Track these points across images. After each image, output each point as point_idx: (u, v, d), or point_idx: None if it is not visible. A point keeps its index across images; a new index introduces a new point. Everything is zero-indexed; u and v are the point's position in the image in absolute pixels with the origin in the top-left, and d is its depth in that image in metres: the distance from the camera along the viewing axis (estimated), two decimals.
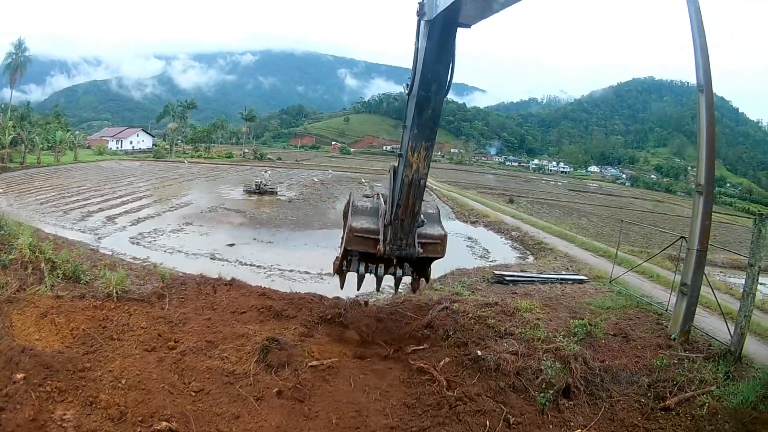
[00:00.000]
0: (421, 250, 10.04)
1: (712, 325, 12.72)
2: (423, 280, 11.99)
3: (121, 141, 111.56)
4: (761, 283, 13.25)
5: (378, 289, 12.81)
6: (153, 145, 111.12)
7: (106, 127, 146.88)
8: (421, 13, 8.53)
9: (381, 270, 11.53)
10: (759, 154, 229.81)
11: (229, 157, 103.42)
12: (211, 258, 21.40)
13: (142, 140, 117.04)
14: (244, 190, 47.18)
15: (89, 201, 34.80)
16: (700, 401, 8.61)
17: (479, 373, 9.45)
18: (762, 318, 14.36)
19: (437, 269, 20.60)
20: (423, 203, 10.10)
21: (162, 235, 25.67)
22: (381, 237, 9.95)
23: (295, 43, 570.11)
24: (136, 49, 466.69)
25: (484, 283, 18.51)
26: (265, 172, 55.08)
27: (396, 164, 10.02)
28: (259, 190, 46.29)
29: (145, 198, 39.07)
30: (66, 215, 29.01)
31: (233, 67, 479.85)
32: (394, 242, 9.83)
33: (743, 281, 10.80)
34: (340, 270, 11.67)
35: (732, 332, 10.62)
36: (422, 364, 9.58)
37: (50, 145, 72.68)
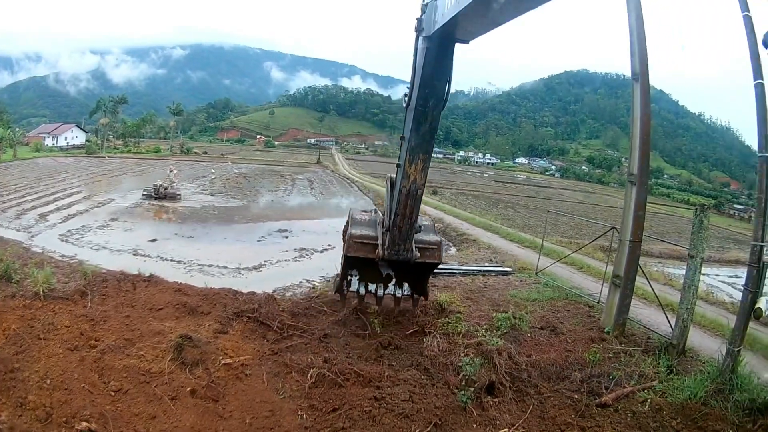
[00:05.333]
0: (419, 254, 10.44)
1: (650, 317, 12.65)
2: (422, 298, 12.18)
3: (57, 137, 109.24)
4: (704, 274, 13.23)
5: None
6: (86, 140, 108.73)
7: (44, 123, 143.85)
8: (419, 29, 8.67)
9: (380, 290, 11.93)
10: (700, 146, 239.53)
11: (156, 152, 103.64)
12: (133, 254, 20.90)
13: (75, 136, 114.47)
14: (143, 194, 38.66)
15: (24, 199, 33.94)
16: (641, 397, 8.30)
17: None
18: (706, 309, 14.38)
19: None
20: (419, 217, 10.47)
21: (89, 231, 25.05)
22: (380, 242, 10.41)
23: (224, 37, 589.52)
24: (73, 44, 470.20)
25: None
26: (170, 171, 43.79)
27: (393, 175, 10.58)
28: (158, 195, 37.86)
29: (75, 195, 38.25)
30: (2, 213, 28.09)
31: (164, 61, 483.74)
32: (393, 247, 10.23)
33: (683, 272, 10.63)
34: (341, 290, 12.05)
35: (673, 325, 10.43)
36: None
37: None
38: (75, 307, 10.76)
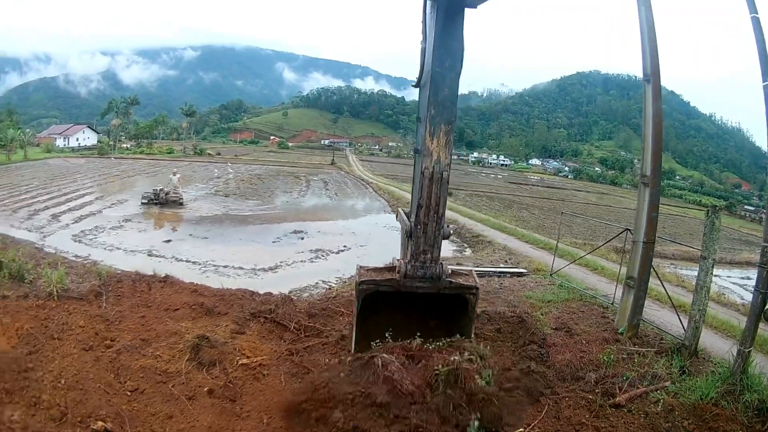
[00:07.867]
0: (449, 270, 8.77)
1: (663, 318, 12.60)
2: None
3: (68, 138, 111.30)
4: (715, 275, 13.14)
5: None
6: (98, 141, 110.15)
7: (54, 124, 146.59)
8: None
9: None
10: (711, 147, 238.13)
11: (169, 153, 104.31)
12: (148, 255, 20.94)
13: (87, 137, 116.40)
14: (142, 201, 34.62)
15: (36, 199, 33.92)
16: (654, 397, 8.28)
17: None
18: (718, 311, 14.34)
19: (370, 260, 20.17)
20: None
21: (103, 232, 25.11)
22: (399, 257, 9.10)
23: (235, 38, 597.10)
24: (83, 45, 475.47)
25: None
26: (174, 174, 37.74)
27: (405, 210, 9.88)
28: (158, 200, 34.09)
29: (88, 195, 38.29)
30: (14, 214, 28.26)
31: (176, 62, 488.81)
32: (417, 257, 8.48)
33: (695, 273, 10.53)
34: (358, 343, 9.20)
35: (685, 326, 10.40)
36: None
37: (2, 143, 72.10)
38: (89, 307, 10.73)
